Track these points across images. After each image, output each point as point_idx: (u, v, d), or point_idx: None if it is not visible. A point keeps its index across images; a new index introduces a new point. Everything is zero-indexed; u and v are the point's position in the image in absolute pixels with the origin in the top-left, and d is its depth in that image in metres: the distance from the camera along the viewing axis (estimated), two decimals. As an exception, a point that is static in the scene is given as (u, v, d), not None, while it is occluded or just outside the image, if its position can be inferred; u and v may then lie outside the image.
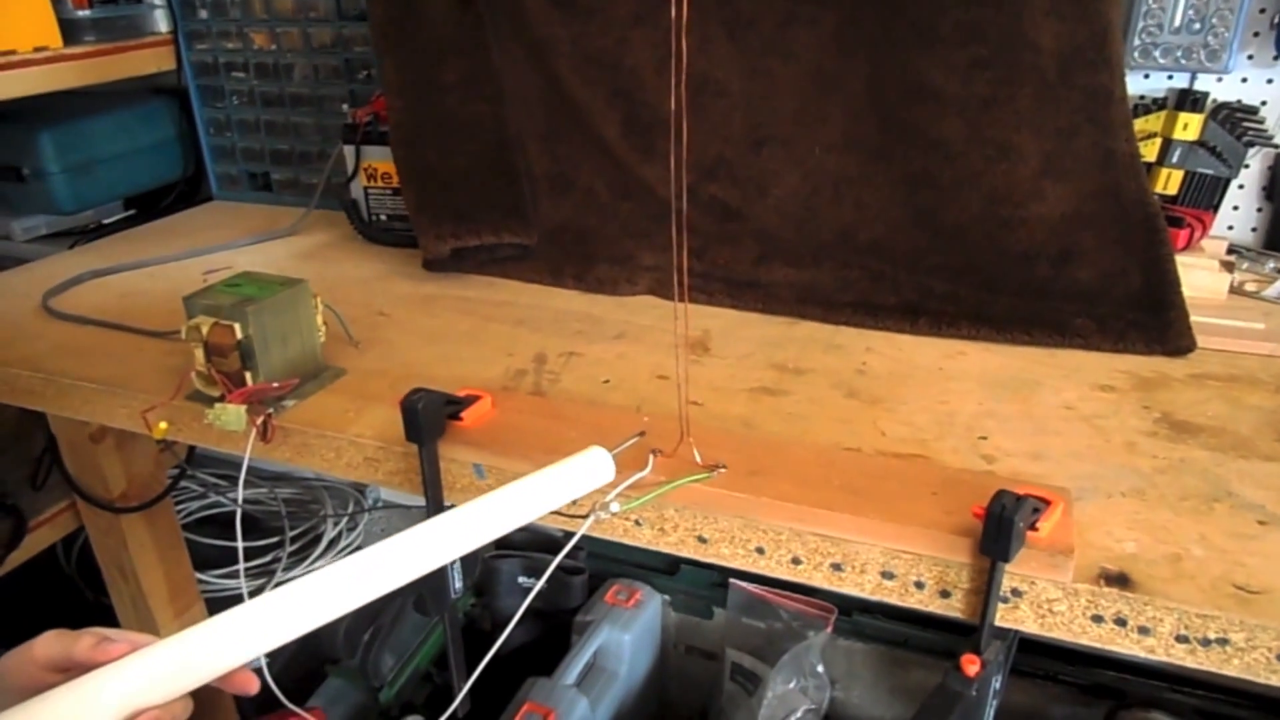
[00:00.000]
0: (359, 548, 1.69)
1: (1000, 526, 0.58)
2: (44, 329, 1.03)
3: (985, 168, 0.96)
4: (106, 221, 1.44)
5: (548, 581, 1.45)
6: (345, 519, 1.65)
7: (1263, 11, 1.03)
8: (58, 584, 1.64)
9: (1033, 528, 0.61)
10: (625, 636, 1.37)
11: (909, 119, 0.98)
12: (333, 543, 1.64)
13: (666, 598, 1.50)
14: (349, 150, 1.22)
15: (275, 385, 0.80)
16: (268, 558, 1.58)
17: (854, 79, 1.00)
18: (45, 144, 1.31)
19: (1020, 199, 0.96)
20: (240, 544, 1.06)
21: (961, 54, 0.93)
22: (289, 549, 1.58)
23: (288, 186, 1.44)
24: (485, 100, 1.12)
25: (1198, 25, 1.03)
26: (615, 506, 0.61)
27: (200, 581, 1.43)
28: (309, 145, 1.39)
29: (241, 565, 1.13)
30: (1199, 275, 0.99)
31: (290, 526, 1.60)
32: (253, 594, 0.51)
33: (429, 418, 0.72)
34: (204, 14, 1.37)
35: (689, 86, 0.62)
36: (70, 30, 1.26)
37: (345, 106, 1.34)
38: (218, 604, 1.49)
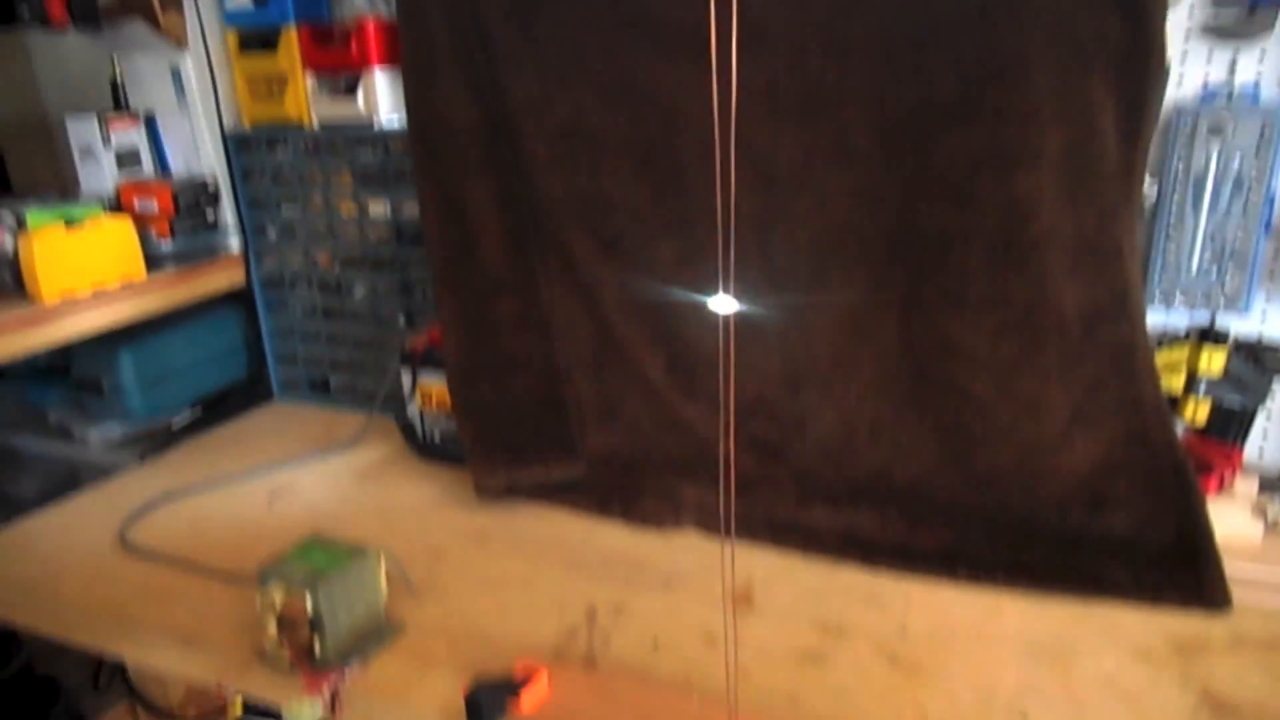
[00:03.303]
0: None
1: None
2: (121, 568, 1.08)
3: (1015, 422, 1.00)
4: (175, 424, 1.52)
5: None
6: None
7: (1277, 256, 1.08)
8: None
9: None
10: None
11: (940, 374, 1.03)
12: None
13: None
14: (405, 376, 1.29)
15: (346, 671, 0.84)
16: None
17: (886, 331, 1.06)
18: (125, 360, 1.40)
19: (1051, 450, 1.00)
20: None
21: (988, 319, 0.99)
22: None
23: (345, 392, 1.52)
24: (535, 336, 1.19)
25: (1215, 270, 1.08)
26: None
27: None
28: (367, 355, 1.47)
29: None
30: (1232, 520, 1.01)
31: None
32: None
33: (490, 709, 0.76)
34: (273, 235, 1.48)
35: (727, 330, 0.67)
36: (153, 260, 1.37)
37: (401, 321, 1.43)
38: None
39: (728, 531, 0.91)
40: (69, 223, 1.25)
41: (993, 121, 0.94)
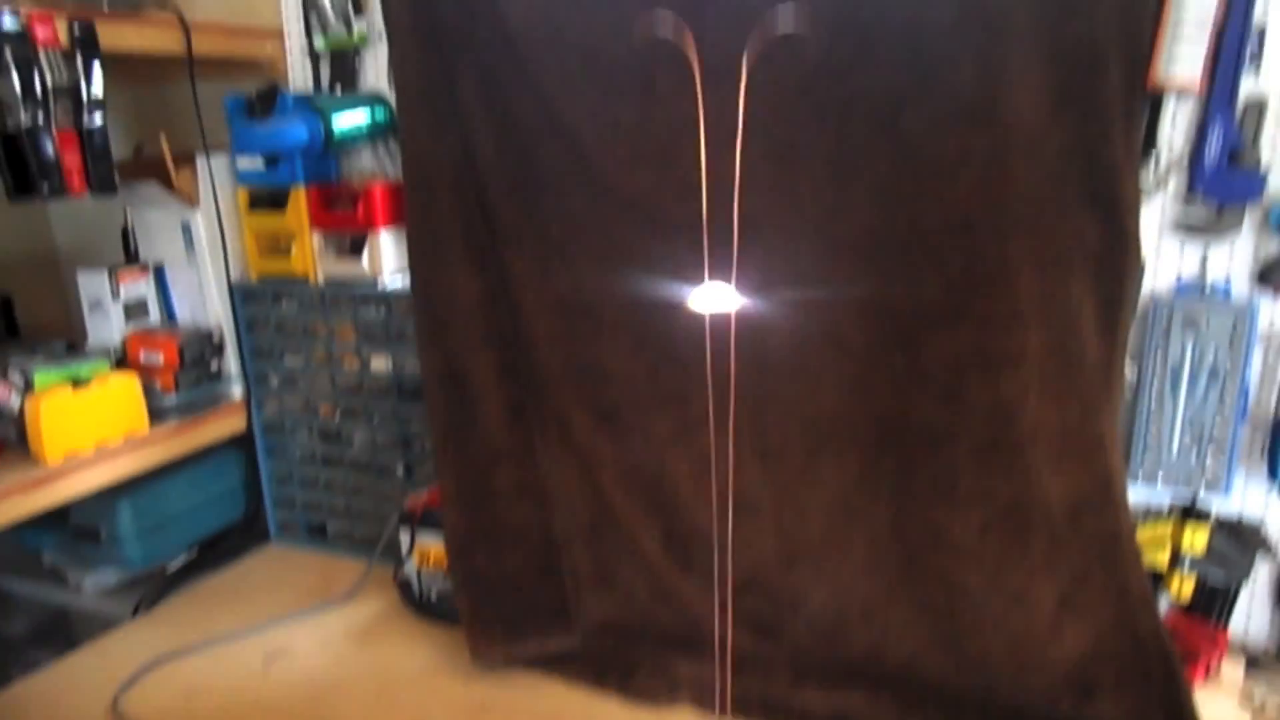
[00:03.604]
0: None
1: None
2: (115, 745, 1.08)
3: (1005, 612, 1.02)
4: (171, 567, 1.52)
5: None
6: None
7: (1254, 440, 1.12)
8: None
9: None
10: None
11: (930, 561, 1.06)
12: None
13: None
14: (404, 535, 1.30)
15: None
16: None
17: (877, 515, 1.08)
18: (123, 511, 1.41)
19: (1040, 639, 1.02)
20: None
21: (976, 514, 1.02)
22: None
23: (343, 538, 1.52)
24: (533, 505, 1.21)
25: (1195, 453, 1.11)
26: None
27: None
28: (365, 504, 1.49)
29: None
30: (1220, 710, 1.02)
31: None
32: None
33: None
34: (275, 383, 1.51)
35: (722, 504, 0.69)
36: (156, 412, 1.38)
37: (400, 471, 1.45)
38: None
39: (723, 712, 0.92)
40: (75, 383, 1.28)
41: (977, 326, 0.98)
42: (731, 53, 1.03)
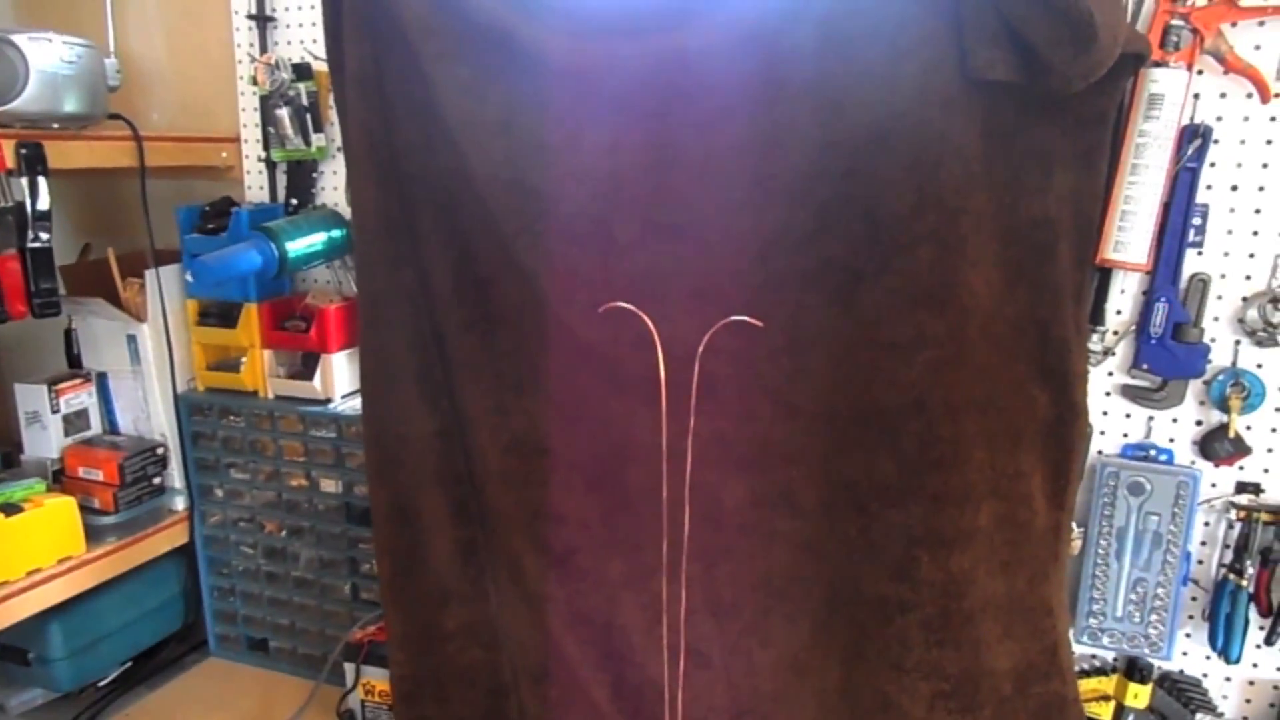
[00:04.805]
0: None
1: None
2: None
3: (953, 781, 1.02)
4: (103, 683, 1.47)
5: None
6: None
7: (1194, 600, 1.14)
8: None
9: None
10: None
11: (879, 727, 1.06)
12: None
13: None
14: (349, 667, 1.28)
15: None
16: None
17: (828, 676, 1.08)
18: (54, 633, 1.35)
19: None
20: None
21: (925, 685, 1.02)
22: None
23: (285, 655, 1.49)
24: (482, 647, 1.19)
25: (1138, 616, 1.13)
26: None
27: None
28: (309, 623, 1.45)
29: None
30: None
31: None
32: None
33: None
34: (220, 495, 1.47)
35: (674, 654, 0.68)
36: (94, 532, 1.34)
37: (346, 591, 1.42)
38: None
39: None
40: (8, 511, 1.23)
41: (929, 505, 0.99)
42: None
